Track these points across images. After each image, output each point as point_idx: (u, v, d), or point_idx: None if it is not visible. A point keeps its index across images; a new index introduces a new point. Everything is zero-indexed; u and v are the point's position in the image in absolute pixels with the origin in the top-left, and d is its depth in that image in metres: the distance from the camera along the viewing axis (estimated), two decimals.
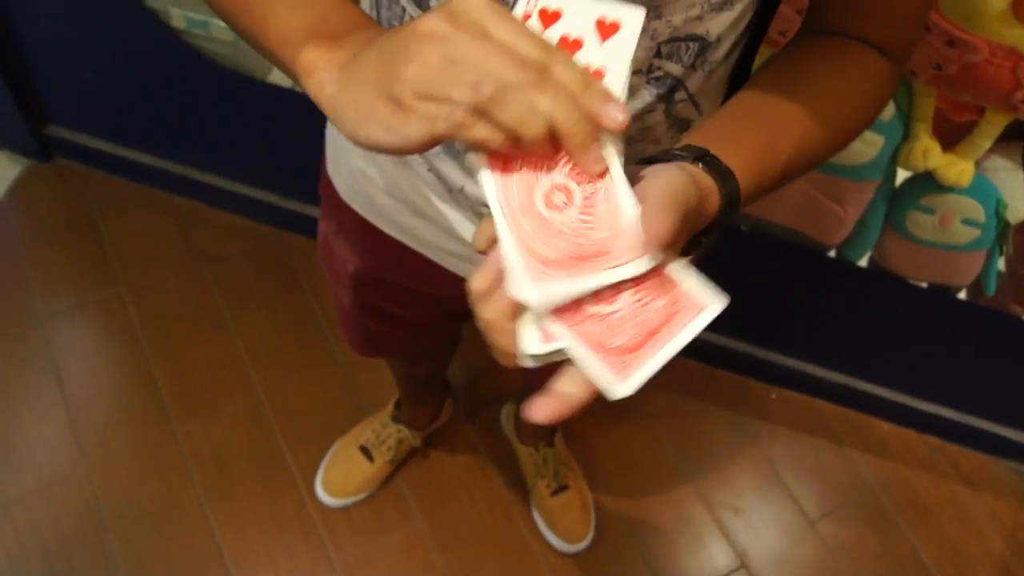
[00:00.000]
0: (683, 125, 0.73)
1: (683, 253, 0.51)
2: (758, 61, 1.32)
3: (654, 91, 0.67)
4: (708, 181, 0.52)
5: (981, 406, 1.88)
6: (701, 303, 0.48)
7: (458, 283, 0.89)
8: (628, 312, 0.46)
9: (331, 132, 0.92)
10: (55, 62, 1.82)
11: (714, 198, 0.52)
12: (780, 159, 0.60)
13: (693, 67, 0.67)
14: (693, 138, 0.58)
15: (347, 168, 0.88)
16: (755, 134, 0.60)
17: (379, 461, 1.68)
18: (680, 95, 0.69)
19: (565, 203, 0.45)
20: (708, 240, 0.54)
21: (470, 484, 1.74)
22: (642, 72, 0.65)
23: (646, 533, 1.76)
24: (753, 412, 1.92)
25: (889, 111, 1.32)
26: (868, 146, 1.37)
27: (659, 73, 0.66)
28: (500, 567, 1.68)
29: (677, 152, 0.54)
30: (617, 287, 0.45)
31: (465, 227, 0.81)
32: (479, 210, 0.76)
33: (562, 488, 1.70)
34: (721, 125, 0.61)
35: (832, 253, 1.62)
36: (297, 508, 1.68)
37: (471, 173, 0.74)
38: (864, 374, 1.89)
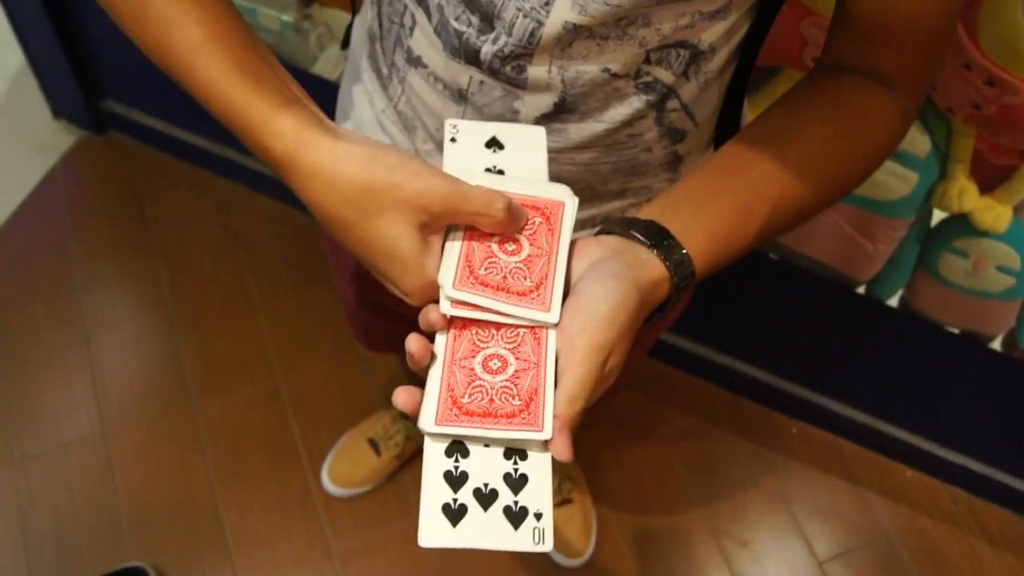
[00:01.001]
0: (676, 135, 0.72)
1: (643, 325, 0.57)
2: (788, 84, 1.30)
3: (644, 97, 0.67)
4: (658, 271, 0.56)
5: (1011, 461, 1.82)
6: (558, 202, 0.59)
7: None
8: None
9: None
10: (115, 39, 1.86)
11: (663, 287, 0.56)
12: (753, 226, 0.61)
13: (686, 76, 0.66)
14: (666, 200, 0.61)
15: None
16: (731, 199, 0.61)
17: (386, 455, 1.69)
18: (672, 104, 0.68)
19: (499, 368, 0.53)
20: (660, 314, 0.58)
21: None
22: (630, 76, 0.65)
23: (647, 556, 1.73)
24: (772, 444, 1.89)
25: (925, 147, 1.29)
26: (902, 182, 1.34)
27: (648, 79, 0.65)
28: (494, 573, 1.68)
29: (636, 234, 0.57)
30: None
31: None
32: None
33: (565, 501, 1.69)
34: (696, 189, 0.61)
35: (862, 290, 1.58)
36: (302, 493, 1.70)
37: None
38: (889, 416, 1.84)
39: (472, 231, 0.56)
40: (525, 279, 0.55)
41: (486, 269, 0.55)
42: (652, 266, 0.56)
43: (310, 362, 1.86)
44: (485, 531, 0.49)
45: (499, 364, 0.53)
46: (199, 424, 1.76)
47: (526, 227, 0.57)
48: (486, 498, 0.50)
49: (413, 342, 0.53)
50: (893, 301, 1.59)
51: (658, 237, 0.57)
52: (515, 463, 0.51)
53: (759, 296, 1.65)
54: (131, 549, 1.62)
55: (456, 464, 0.51)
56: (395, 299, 1.06)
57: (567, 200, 0.58)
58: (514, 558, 1.70)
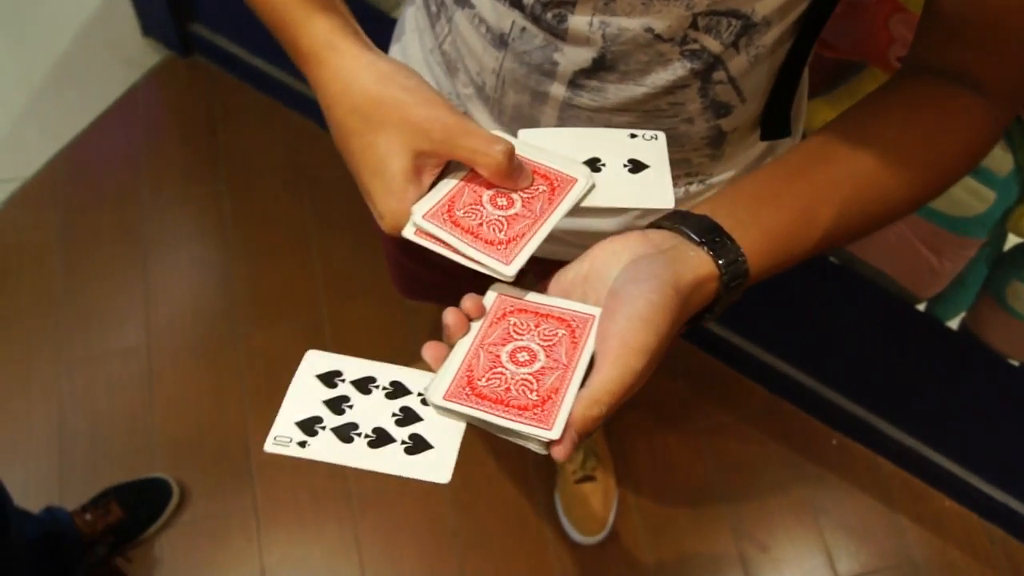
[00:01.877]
0: (721, 110, 0.69)
1: (688, 327, 0.55)
2: (870, 83, 1.25)
3: (688, 65, 0.64)
4: (706, 268, 0.52)
5: None
6: (571, 178, 0.58)
7: None
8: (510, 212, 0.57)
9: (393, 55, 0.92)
10: None
11: (711, 285, 0.53)
12: (817, 230, 0.57)
13: (735, 47, 0.64)
14: (723, 196, 0.57)
15: None
16: (794, 200, 0.57)
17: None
18: (719, 75, 0.66)
19: (526, 361, 0.51)
20: (711, 316, 0.56)
21: (500, 451, 1.73)
22: (675, 41, 0.62)
23: (664, 545, 1.71)
24: (808, 453, 1.84)
25: (1007, 166, 1.22)
26: (977, 200, 1.27)
27: (694, 46, 0.63)
28: (509, 539, 1.68)
29: (686, 229, 0.54)
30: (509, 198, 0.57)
31: None
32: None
33: (588, 478, 1.67)
34: (757, 186, 0.58)
35: (922, 307, 1.53)
36: None
37: (500, 121, 0.73)
38: (935, 442, 1.78)
39: (472, 177, 0.56)
40: (500, 231, 0.54)
41: (466, 213, 0.55)
42: (699, 264, 0.52)
43: (356, 304, 1.87)
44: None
45: (527, 357, 0.52)
46: (240, 351, 1.79)
47: (527, 190, 0.56)
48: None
49: (450, 315, 0.52)
50: (954, 323, 1.53)
51: (709, 234, 0.53)
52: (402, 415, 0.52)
53: (814, 299, 1.61)
54: (158, 461, 1.67)
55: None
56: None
57: (580, 178, 0.57)
58: (529, 529, 1.69)
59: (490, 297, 0.55)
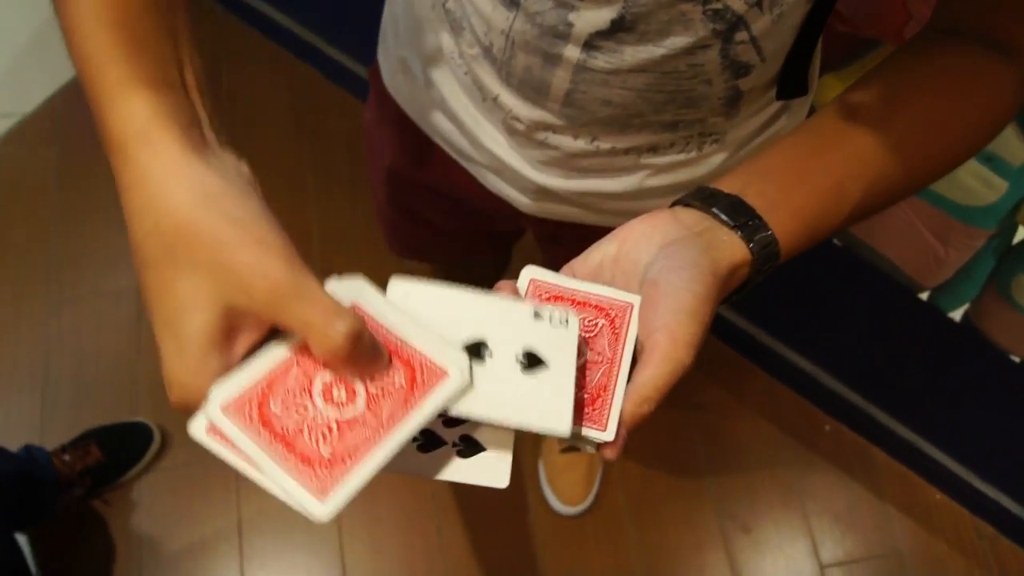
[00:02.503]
0: (740, 70, 0.65)
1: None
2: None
3: (710, 25, 0.60)
4: (740, 254, 0.51)
5: None
6: (440, 370, 0.43)
7: (487, 197, 0.86)
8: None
9: (386, 15, 0.89)
10: None
11: (744, 270, 0.51)
12: (846, 206, 0.56)
13: (759, 6, 0.59)
14: (752, 173, 0.55)
15: (393, 57, 0.85)
16: (824, 177, 0.55)
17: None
18: (741, 36, 0.62)
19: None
20: (737, 297, 0.54)
21: None
22: (698, 0, 0.58)
23: (646, 520, 1.69)
24: (800, 436, 1.81)
25: (1022, 155, 1.18)
26: (989, 189, 1.23)
27: (718, 5, 0.59)
28: (489, 504, 1.66)
29: (719, 212, 0.52)
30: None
31: (494, 138, 0.77)
32: (510, 123, 0.72)
33: (573, 448, 1.65)
34: (787, 162, 0.56)
35: (925, 296, 1.49)
36: None
37: (509, 84, 0.69)
38: (930, 434, 1.75)
39: (306, 350, 0.42)
40: (324, 443, 0.40)
41: (284, 408, 0.41)
42: (733, 249, 0.51)
43: (351, 261, 1.84)
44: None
45: None
46: None
47: (377, 380, 0.42)
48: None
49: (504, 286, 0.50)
50: (956, 315, 1.49)
51: (742, 217, 0.51)
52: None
53: (816, 282, 1.57)
54: (142, 407, 1.66)
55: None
56: (425, 205, 1.03)
57: (452, 372, 0.43)
58: (511, 496, 1.68)
59: (524, 279, 0.50)
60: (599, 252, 0.53)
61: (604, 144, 0.70)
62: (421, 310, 0.46)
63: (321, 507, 0.39)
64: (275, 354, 0.42)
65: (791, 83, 0.70)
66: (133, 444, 1.59)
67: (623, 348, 0.48)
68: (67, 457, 1.51)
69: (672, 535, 1.69)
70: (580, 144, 0.70)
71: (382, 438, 0.41)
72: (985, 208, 1.26)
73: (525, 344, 0.45)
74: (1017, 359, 1.47)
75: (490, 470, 0.45)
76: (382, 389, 0.42)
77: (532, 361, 0.45)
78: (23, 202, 1.84)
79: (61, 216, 1.83)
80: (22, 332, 1.71)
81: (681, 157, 0.72)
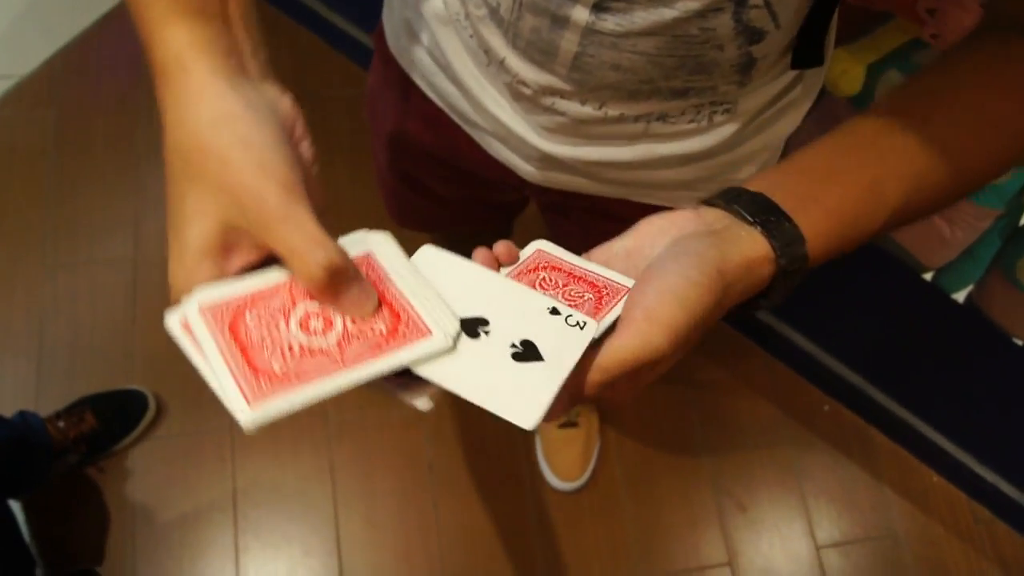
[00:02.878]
0: (754, 35, 0.63)
1: (739, 312, 0.50)
2: (895, 35, 1.18)
3: None
4: (760, 250, 0.47)
5: None
6: (424, 328, 0.43)
7: (491, 164, 0.84)
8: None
9: None
10: None
11: (765, 268, 0.48)
12: (884, 207, 0.51)
13: None
14: (781, 172, 0.52)
15: (398, 19, 0.83)
16: (858, 173, 0.51)
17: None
18: (755, 0, 0.60)
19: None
20: (767, 303, 0.50)
21: None
22: None
23: (642, 496, 1.69)
24: (799, 416, 1.81)
25: None
26: None
27: None
28: (485, 478, 1.66)
29: (739, 208, 0.49)
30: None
31: (499, 104, 0.75)
32: (517, 88, 0.70)
33: (570, 424, 1.64)
34: (818, 161, 0.52)
35: (928, 276, 1.47)
36: None
37: (516, 47, 0.67)
38: (929, 416, 1.74)
39: (299, 283, 0.43)
40: (279, 361, 0.40)
41: (257, 322, 0.42)
42: (751, 245, 0.47)
43: (350, 229, 1.82)
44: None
45: None
46: None
47: (360, 322, 0.43)
48: None
49: (479, 254, 0.48)
50: (960, 296, 1.48)
51: (764, 213, 0.49)
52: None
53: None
54: (137, 374, 1.65)
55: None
56: (427, 172, 1.01)
57: (436, 334, 0.42)
58: (506, 470, 1.67)
59: (529, 249, 0.50)
60: (617, 244, 0.51)
61: (612, 111, 0.68)
62: (439, 278, 0.46)
63: (248, 413, 0.38)
64: (270, 276, 0.43)
65: (806, 52, 0.68)
66: (128, 412, 1.58)
67: (599, 320, 0.46)
68: (61, 424, 1.50)
69: (668, 512, 1.69)
70: (588, 110, 0.69)
71: (336, 372, 0.40)
72: (994, 188, 1.24)
73: (527, 334, 0.44)
74: (1020, 342, 1.46)
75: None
76: (360, 331, 0.42)
77: (528, 352, 0.43)
78: (19, 165, 1.82)
79: (57, 180, 1.81)
80: (17, 297, 1.69)
81: (691, 126, 0.70)
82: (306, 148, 0.49)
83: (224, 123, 0.43)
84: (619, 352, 0.42)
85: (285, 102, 0.48)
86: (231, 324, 0.41)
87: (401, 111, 0.92)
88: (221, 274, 0.43)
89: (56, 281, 1.71)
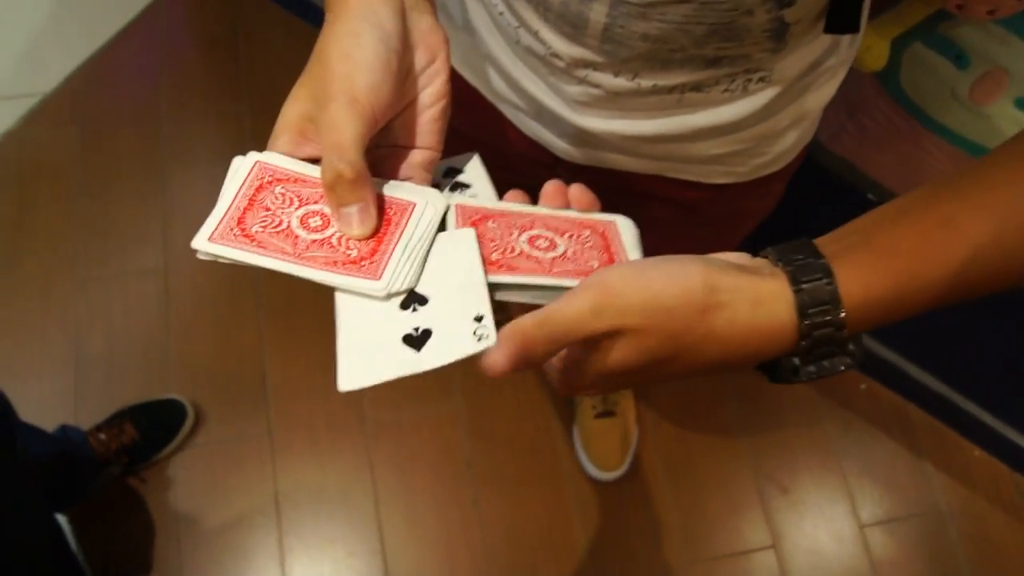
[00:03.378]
0: None
1: (774, 373, 0.47)
2: (920, 8, 1.16)
3: None
4: (770, 288, 0.43)
5: None
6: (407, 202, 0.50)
7: (524, 143, 0.84)
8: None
9: None
10: None
11: (776, 305, 0.43)
12: (960, 242, 0.43)
13: None
14: (841, 227, 0.47)
15: None
16: (925, 210, 0.45)
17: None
18: None
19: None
20: (801, 364, 0.45)
21: (519, 382, 1.71)
22: None
23: (682, 484, 1.68)
24: (835, 396, 1.79)
25: None
26: None
27: None
28: (524, 472, 1.66)
29: (767, 248, 0.45)
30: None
31: (532, 80, 0.75)
32: (551, 61, 0.70)
33: (607, 413, 1.64)
34: (887, 206, 0.47)
35: None
36: None
37: (547, 20, 0.67)
38: (968, 390, 1.72)
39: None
40: (262, 225, 0.47)
41: (278, 195, 0.48)
42: (766, 282, 0.43)
43: None
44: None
45: (546, 244, 0.50)
46: (259, 274, 1.75)
47: (347, 239, 0.48)
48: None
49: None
50: None
51: (792, 253, 0.44)
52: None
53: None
54: (174, 383, 1.65)
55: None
56: (458, 152, 1.01)
57: (380, 280, 0.46)
58: (545, 463, 1.67)
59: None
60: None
61: (646, 82, 0.68)
62: (446, 249, 0.49)
63: (202, 242, 0.46)
64: (317, 170, 0.48)
65: (839, 16, 0.67)
66: (167, 421, 1.59)
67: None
68: (102, 436, 1.51)
69: (710, 497, 1.68)
70: (621, 82, 0.68)
71: (286, 259, 0.46)
72: None
73: (434, 325, 0.45)
74: None
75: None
76: (334, 245, 0.47)
77: (416, 339, 0.44)
78: (47, 182, 1.84)
79: (85, 195, 1.82)
80: (52, 313, 1.71)
81: (726, 95, 0.70)
82: (439, 84, 0.52)
83: (343, 37, 0.47)
84: (557, 313, 0.42)
85: (433, 36, 0.51)
86: (259, 185, 0.48)
87: None
88: (292, 151, 0.49)
89: (89, 294, 1.72)
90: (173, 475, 1.60)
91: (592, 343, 0.44)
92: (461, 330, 0.44)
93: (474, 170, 0.57)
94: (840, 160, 1.40)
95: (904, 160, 1.33)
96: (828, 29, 0.68)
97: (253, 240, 0.46)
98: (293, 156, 0.49)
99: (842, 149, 1.39)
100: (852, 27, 0.68)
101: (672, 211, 0.87)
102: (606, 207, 0.75)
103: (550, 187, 0.54)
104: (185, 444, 1.61)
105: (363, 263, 0.46)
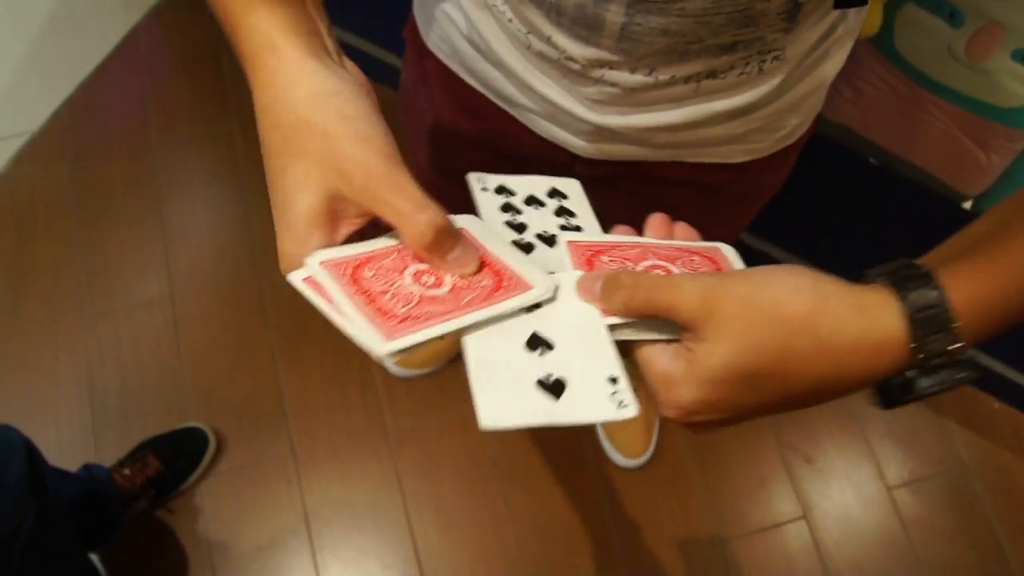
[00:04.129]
0: None
1: (888, 394, 0.45)
2: None
3: None
4: (876, 298, 0.41)
5: None
6: (526, 283, 0.46)
7: (539, 145, 0.83)
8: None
9: None
10: None
11: (881, 311, 0.41)
12: None
13: None
14: (950, 242, 0.46)
15: (432, 12, 0.83)
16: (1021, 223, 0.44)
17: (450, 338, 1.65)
18: None
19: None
20: (915, 377, 0.43)
21: None
22: None
23: (708, 463, 1.69)
24: None
25: None
26: None
27: None
28: (550, 466, 1.66)
29: (865, 271, 0.44)
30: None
31: (545, 82, 0.75)
32: (564, 64, 0.70)
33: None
34: (977, 226, 0.47)
35: (968, 205, 1.46)
36: (361, 370, 1.69)
37: (559, 24, 0.67)
38: (984, 344, 1.72)
39: (405, 250, 0.47)
40: (404, 306, 0.44)
41: (376, 275, 0.45)
42: (869, 291, 0.42)
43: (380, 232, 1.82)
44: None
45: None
46: (265, 292, 1.75)
47: (466, 278, 0.46)
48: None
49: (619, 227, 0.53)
50: None
51: (886, 267, 0.43)
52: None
53: (854, 201, 1.54)
54: (191, 410, 1.65)
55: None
56: (470, 163, 1.00)
57: (538, 286, 0.45)
58: (570, 456, 1.67)
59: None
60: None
61: (662, 75, 0.67)
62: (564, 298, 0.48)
63: (383, 344, 0.41)
64: (380, 243, 0.47)
65: None
66: (189, 450, 1.58)
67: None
68: (127, 471, 1.51)
69: (737, 474, 1.68)
70: (638, 78, 0.68)
71: (457, 312, 0.43)
72: None
73: (568, 375, 0.43)
74: None
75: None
76: (468, 283, 0.46)
77: (551, 388, 0.42)
78: (43, 220, 1.82)
79: (83, 230, 1.81)
80: (61, 352, 1.70)
81: (741, 78, 0.70)
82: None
83: (323, 99, 0.45)
84: (662, 280, 0.43)
85: (361, 76, 0.50)
86: (352, 277, 0.44)
87: (443, 101, 0.92)
88: (330, 242, 0.46)
89: (97, 331, 1.71)
90: (200, 504, 1.59)
91: (692, 341, 0.42)
92: (597, 391, 0.42)
93: (575, 196, 0.57)
94: (840, 127, 1.40)
95: (905, 122, 1.33)
96: (838, 4, 0.68)
97: (416, 318, 0.43)
98: (337, 244, 0.46)
99: (841, 116, 1.39)
100: (861, 0, 0.68)
101: (692, 193, 0.86)
102: (625, 196, 0.75)
103: (656, 219, 0.53)
104: (210, 471, 1.60)
105: (506, 285, 0.46)
